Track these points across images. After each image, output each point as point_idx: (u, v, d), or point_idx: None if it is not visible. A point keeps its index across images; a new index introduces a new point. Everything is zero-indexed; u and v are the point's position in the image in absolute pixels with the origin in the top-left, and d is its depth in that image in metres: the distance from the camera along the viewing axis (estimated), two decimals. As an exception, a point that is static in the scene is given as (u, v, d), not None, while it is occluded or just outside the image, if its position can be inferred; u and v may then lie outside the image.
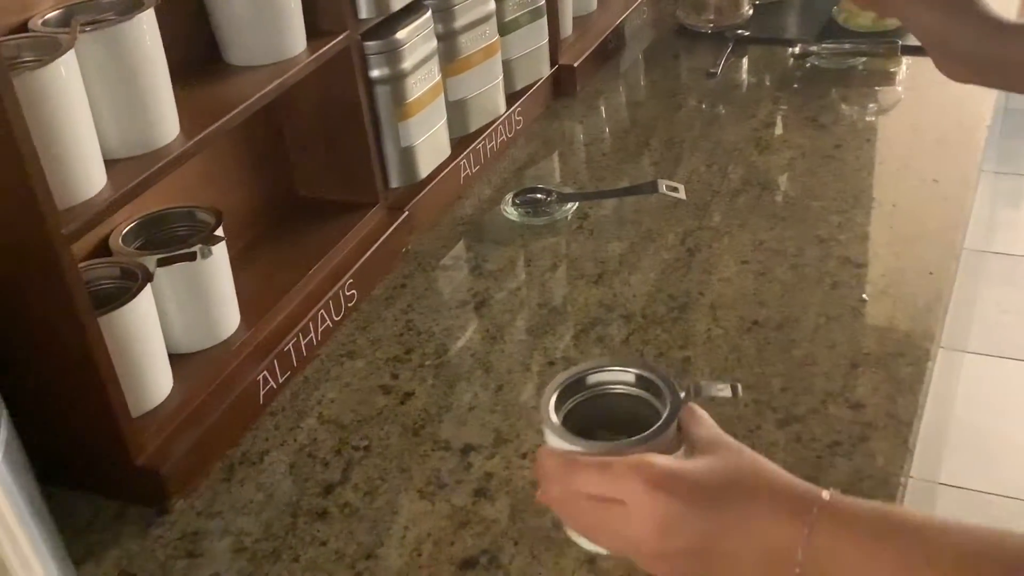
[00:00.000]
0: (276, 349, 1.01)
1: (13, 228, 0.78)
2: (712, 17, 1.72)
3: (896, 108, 1.49)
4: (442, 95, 1.25)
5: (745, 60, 1.64)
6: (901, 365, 0.97)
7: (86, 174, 0.82)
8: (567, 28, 1.58)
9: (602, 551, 0.64)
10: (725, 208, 1.24)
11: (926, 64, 0.92)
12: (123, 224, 0.98)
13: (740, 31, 1.68)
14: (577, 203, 1.28)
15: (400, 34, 1.15)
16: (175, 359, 0.95)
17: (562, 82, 1.54)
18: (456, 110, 1.30)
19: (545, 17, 1.44)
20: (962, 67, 0.87)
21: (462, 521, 0.85)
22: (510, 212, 1.28)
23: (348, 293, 1.12)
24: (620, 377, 0.66)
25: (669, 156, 1.39)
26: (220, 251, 0.96)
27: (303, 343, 1.04)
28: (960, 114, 1.38)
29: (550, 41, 1.47)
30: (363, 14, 1.12)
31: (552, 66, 1.50)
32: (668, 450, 0.61)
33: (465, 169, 1.33)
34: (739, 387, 0.67)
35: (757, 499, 0.56)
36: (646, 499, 0.56)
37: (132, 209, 0.96)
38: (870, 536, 0.54)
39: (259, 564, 0.82)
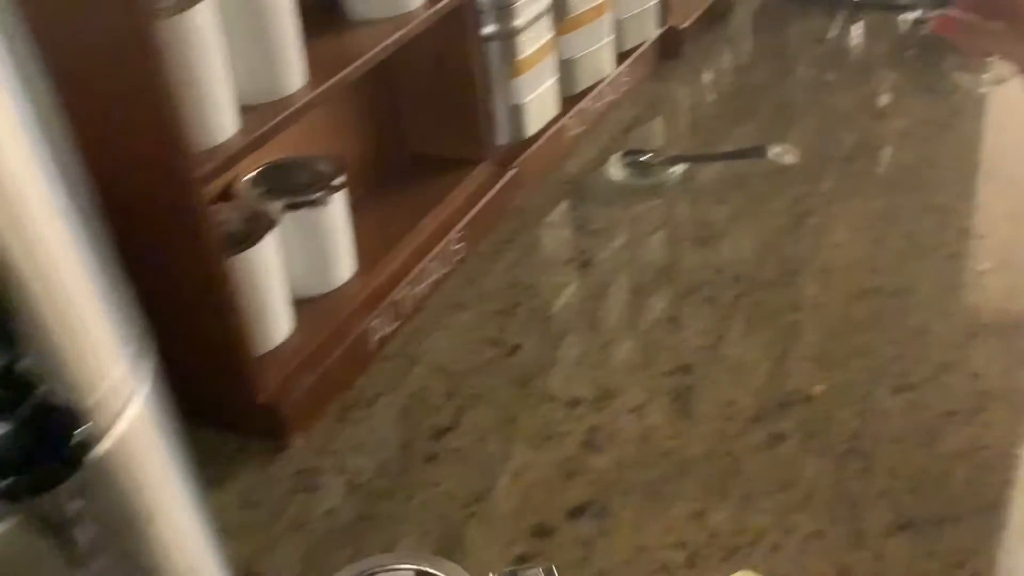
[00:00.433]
0: (388, 298, 1.03)
1: (150, 167, 0.81)
2: (824, -19, 1.67)
3: (1014, 79, 1.44)
4: (553, 53, 1.25)
5: (858, 26, 1.60)
6: (1020, 337, 0.94)
7: (220, 118, 0.85)
8: (676, -11, 1.56)
9: None
10: (837, 174, 1.22)
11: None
12: (247, 170, 1.01)
13: (853, -4, 1.64)
14: (684, 166, 1.28)
15: (514, -10, 1.16)
16: (293, 303, 0.98)
17: (669, 44, 1.53)
18: (565, 69, 1.30)
19: (655, -23, 1.43)
20: None
21: (571, 471, 0.86)
22: (616, 173, 1.27)
23: (456, 247, 1.13)
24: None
25: (778, 121, 1.37)
26: (341, 200, 0.99)
27: (413, 293, 1.07)
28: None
29: (660, 2, 1.46)
30: (478, -31, 1.13)
31: (661, 27, 1.49)
32: None
33: (571, 128, 1.33)
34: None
35: None
36: None
37: (254, 158, 0.99)
38: None
39: (373, 502, 0.85)
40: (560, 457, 0.87)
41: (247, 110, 0.89)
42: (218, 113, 0.85)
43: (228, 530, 0.70)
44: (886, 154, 1.26)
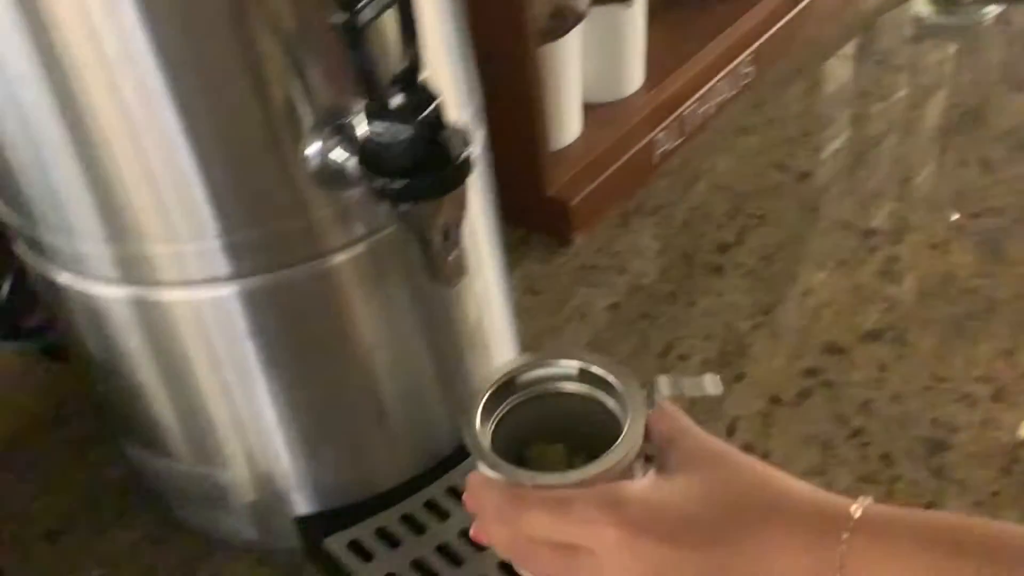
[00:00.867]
0: (673, 113, 1.01)
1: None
2: None
3: None
4: None
5: None
6: None
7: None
8: None
9: None
10: None
11: None
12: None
13: None
14: (1000, 7, 1.16)
15: None
16: (583, 107, 0.98)
17: None
18: None
19: None
20: None
21: (865, 296, 0.82)
22: (923, 9, 1.17)
23: (746, 70, 1.09)
24: (558, 372, 0.50)
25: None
26: (641, 3, 0.96)
27: (699, 112, 1.04)
28: None
29: None
30: None
31: None
32: (635, 472, 0.46)
33: (877, -42, 1.23)
34: (718, 380, 0.51)
35: (768, 527, 0.41)
36: (622, 550, 0.41)
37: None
38: (925, 562, 0.39)
39: (656, 303, 0.85)
40: (854, 283, 0.84)
41: None
42: None
43: (515, 311, 0.72)
44: None
